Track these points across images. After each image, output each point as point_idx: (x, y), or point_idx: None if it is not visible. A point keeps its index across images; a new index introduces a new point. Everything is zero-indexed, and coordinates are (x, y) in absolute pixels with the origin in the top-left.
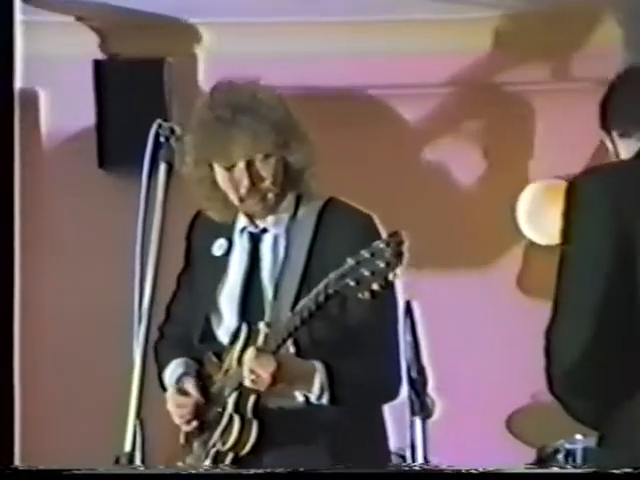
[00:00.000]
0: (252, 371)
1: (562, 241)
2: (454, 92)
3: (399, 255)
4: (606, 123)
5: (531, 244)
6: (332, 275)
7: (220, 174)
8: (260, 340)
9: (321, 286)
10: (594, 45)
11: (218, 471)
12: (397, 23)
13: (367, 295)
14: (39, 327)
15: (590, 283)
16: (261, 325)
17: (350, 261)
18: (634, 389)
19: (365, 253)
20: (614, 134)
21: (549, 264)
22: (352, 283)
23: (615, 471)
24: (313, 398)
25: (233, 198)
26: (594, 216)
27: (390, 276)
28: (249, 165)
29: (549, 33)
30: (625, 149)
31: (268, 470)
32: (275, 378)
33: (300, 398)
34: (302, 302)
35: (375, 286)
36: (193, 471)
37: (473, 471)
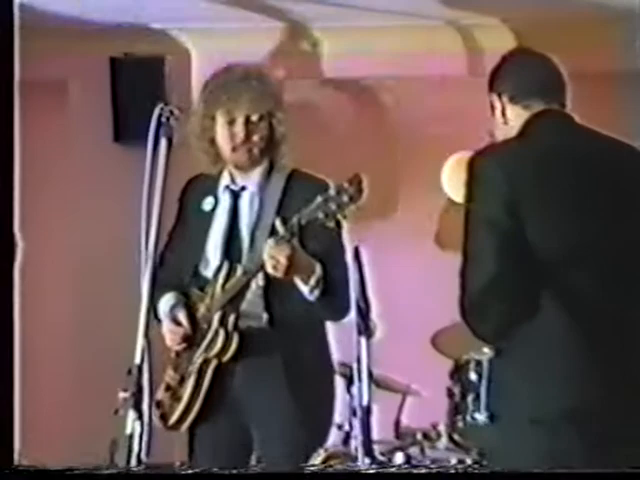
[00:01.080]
0: (272, 257)
1: (466, 201)
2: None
3: (359, 191)
4: (496, 87)
5: (451, 202)
6: (305, 210)
7: (220, 126)
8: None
9: (295, 219)
10: None
11: (218, 471)
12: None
13: (333, 224)
14: (63, 277)
15: (487, 235)
16: (240, 266)
17: (319, 198)
18: (523, 314)
19: (331, 191)
20: (504, 98)
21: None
22: (321, 215)
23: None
24: (307, 291)
25: (227, 149)
26: (489, 185)
27: (352, 208)
28: (247, 121)
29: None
30: (513, 113)
31: (268, 471)
32: (291, 263)
33: (304, 287)
34: (280, 234)
35: (340, 216)
36: (193, 471)
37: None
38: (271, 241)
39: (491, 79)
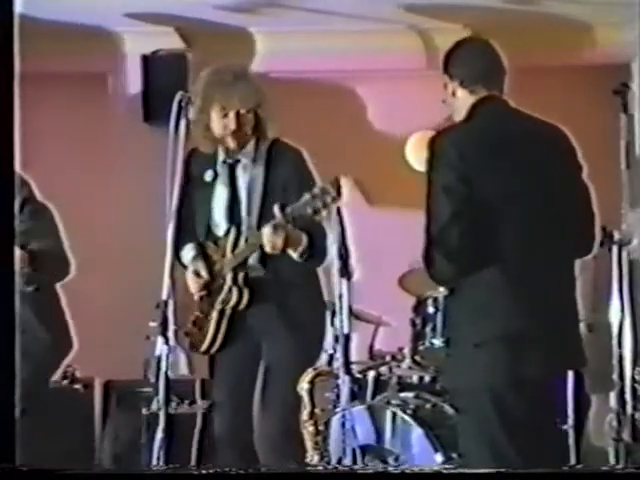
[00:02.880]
0: (270, 241)
1: (427, 171)
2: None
3: (339, 192)
4: (450, 70)
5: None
6: (294, 205)
7: (215, 119)
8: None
9: (288, 211)
10: None
11: (218, 471)
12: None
13: (318, 219)
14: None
15: (444, 198)
16: (243, 228)
17: (307, 195)
18: (472, 263)
19: (316, 190)
20: (455, 81)
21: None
22: (309, 211)
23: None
24: (296, 257)
25: (221, 134)
26: (445, 159)
27: (333, 207)
28: (237, 115)
29: None
30: (461, 96)
31: (268, 470)
32: (286, 243)
33: (294, 254)
34: (277, 221)
35: (324, 213)
36: (194, 471)
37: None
38: (269, 228)
39: (445, 62)
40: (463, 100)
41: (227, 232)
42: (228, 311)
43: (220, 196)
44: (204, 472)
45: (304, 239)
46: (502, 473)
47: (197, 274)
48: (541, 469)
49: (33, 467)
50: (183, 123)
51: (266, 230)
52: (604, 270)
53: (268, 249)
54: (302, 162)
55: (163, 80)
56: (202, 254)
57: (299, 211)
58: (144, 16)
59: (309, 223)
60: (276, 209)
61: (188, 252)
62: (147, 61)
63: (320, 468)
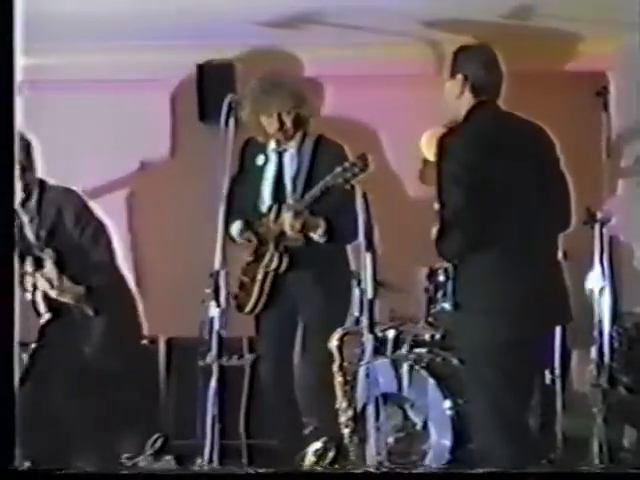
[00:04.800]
0: (290, 225)
1: (437, 163)
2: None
3: (366, 165)
4: (463, 70)
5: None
6: (329, 176)
7: (263, 119)
8: (285, 210)
9: (322, 183)
10: None
11: (222, 471)
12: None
13: (348, 187)
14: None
15: (453, 186)
16: (288, 204)
17: (338, 168)
18: (476, 241)
19: (346, 164)
20: (467, 84)
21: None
22: (340, 180)
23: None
24: (317, 238)
25: (269, 130)
26: (452, 154)
27: (361, 176)
28: (279, 116)
29: None
30: (466, 98)
31: (268, 470)
32: (303, 227)
33: (315, 236)
34: (312, 191)
35: (354, 182)
36: (194, 472)
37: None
38: (289, 215)
39: (457, 63)
40: (466, 102)
41: (270, 208)
42: (270, 276)
43: (268, 178)
44: (204, 472)
45: (322, 223)
46: (503, 473)
47: (248, 240)
48: (531, 469)
49: (32, 467)
50: (232, 120)
51: (287, 215)
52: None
53: (289, 232)
54: (344, 155)
55: (215, 85)
56: (249, 227)
57: (332, 181)
58: (201, 30)
59: (334, 209)
60: (295, 200)
61: (236, 227)
62: (201, 69)
63: (320, 468)
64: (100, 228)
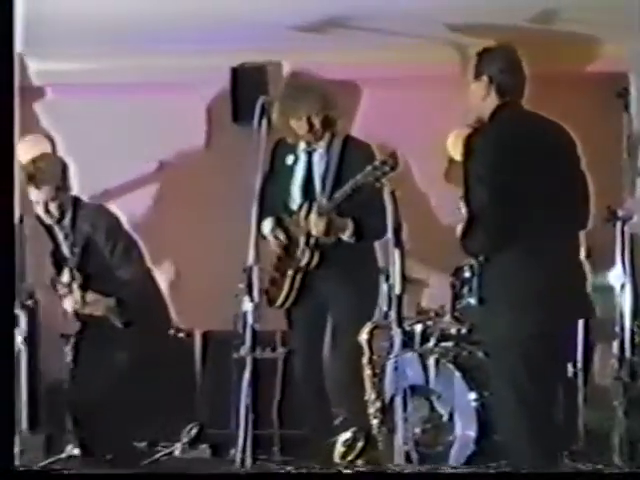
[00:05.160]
0: (316, 225)
1: (463, 163)
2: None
3: (395, 165)
4: (488, 71)
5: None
6: (360, 175)
7: (292, 122)
8: (314, 210)
9: (352, 181)
10: None
11: (219, 471)
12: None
13: (378, 185)
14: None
15: (478, 185)
16: (315, 204)
17: (369, 167)
18: (499, 239)
19: (377, 162)
20: (492, 85)
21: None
22: (371, 178)
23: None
24: (346, 238)
25: (299, 132)
26: (478, 154)
27: (391, 175)
28: (308, 119)
29: None
30: (492, 98)
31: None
32: (328, 228)
33: (344, 237)
34: (341, 191)
35: (384, 181)
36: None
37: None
38: (314, 215)
39: (481, 66)
40: (491, 103)
41: (301, 206)
42: (300, 272)
43: (298, 177)
44: (205, 472)
45: (350, 225)
46: (503, 473)
47: (276, 238)
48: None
49: (31, 468)
50: (264, 121)
51: (312, 217)
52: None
53: (314, 232)
54: (371, 154)
55: (248, 88)
56: (280, 224)
57: (363, 179)
58: (235, 35)
59: (363, 208)
60: (322, 201)
61: (268, 224)
62: (235, 72)
63: (319, 468)
64: (131, 244)
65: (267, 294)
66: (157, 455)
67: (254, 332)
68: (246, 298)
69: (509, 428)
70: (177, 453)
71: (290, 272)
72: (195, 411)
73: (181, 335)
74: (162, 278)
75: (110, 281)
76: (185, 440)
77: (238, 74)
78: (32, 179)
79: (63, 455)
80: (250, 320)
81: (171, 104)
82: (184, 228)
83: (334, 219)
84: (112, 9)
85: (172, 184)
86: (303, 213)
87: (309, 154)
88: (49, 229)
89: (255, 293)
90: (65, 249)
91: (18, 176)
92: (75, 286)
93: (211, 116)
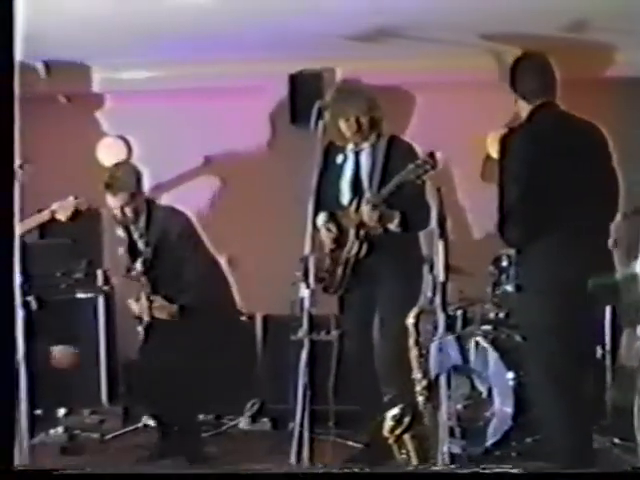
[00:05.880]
0: (369, 216)
1: (499, 161)
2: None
3: (435, 164)
4: (512, 84)
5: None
6: (403, 172)
7: (341, 123)
8: (364, 204)
9: (396, 179)
10: None
11: (219, 471)
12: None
13: (420, 182)
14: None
15: (512, 182)
16: (364, 199)
17: (411, 165)
18: (533, 231)
19: (419, 161)
20: (517, 93)
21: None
22: (412, 176)
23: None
24: (393, 228)
25: (348, 134)
26: (513, 153)
27: (431, 173)
28: (357, 119)
29: None
30: (521, 104)
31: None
32: (379, 219)
33: (392, 227)
34: (388, 186)
35: (425, 177)
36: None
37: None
38: (367, 207)
39: (511, 77)
40: (523, 108)
41: (350, 201)
42: (351, 260)
43: (347, 175)
44: (205, 473)
45: (397, 215)
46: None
47: (329, 230)
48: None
49: (30, 468)
50: (320, 123)
51: (365, 208)
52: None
53: (367, 222)
54: (414, 152)
55: (305, 93)
56: (332, 218)
57: (405, 177)
58: (293, 44)
59: (407, 201)
60: (372, 194)
61: (321, 218)
62: (293, 79)
63: (320, 468)
64: (200, 242)
65: (322, 281)
66: (223, 427)
67: (310, 316)
68: (303, 285)
69: (543, 405)
70: (241, 426)
71: (342, 261)
72: (257, 388)
73: (244, 319)
74: (227, 268)
75: (177, 282)
76: (248, 414)
77: (296, 80)
78: (109, 187)
79: (140, 424)
80: (307, 305)
81: (235, 108)
82: (247, 221)
83: (384, 211)
84: (177, 20)
85: (237, 181)
86: (353, 207)
87: (357, 154)
88: (125, 226)
89: (311, 280)
90: (141, 245)
91: (18, 180)
92: (143, 293)
93: (272, 119)
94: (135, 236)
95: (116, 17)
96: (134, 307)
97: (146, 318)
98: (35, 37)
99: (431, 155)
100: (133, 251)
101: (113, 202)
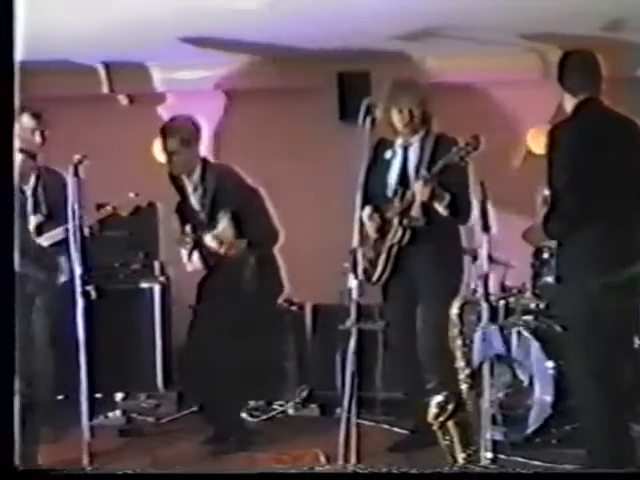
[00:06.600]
0: (421, 192)
1: (547, 153)
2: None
3: (477, 145)
4: (559, 78)
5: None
6: (447, 156)
7: (394, 115)
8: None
9: (443, 160)
10: None
11: (218, 471)
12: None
13: (463, 164)
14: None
15: (560, 174)
16: (408, 190)
17: (454, 148)
18: (576, 223)
19: (461, 143)
20: (564, 88)
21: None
22: (456, 159)
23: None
24: (441, 210)
25: (399, 126)
26: (561, 146)
27: (473, 154)
28: (409, 111)
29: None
30: (567, 98)
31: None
32: (432, 195)
33: (440, 208)
34: (434, 169)
35: (467, 159)
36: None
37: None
38: (419, 184)
39: (558, 71)
40: (568, 102)
41: (395, 192)
42: (394, 249)
43: (395, 168)
44: (205, 472)
45: (447, 196)
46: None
47: (373, 220)
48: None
49: (30, 468)
50: (369, 120)
51: (417, 184)
52: None
53: (419, 197)
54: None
55: (353, 90)
56: (377, 211)
57: (450, 159)
58: (341, 43)
59: (456, 186)
60: (424, 171)
61: (367, 211)
62: (341, 77)
63: (321, 468)
64: (254, 196)
65: (366, 272)
66: (273, 413)
67: (358, 306)
68: (351, 276)
69: (583, 393)
70: (290, 411)
71: (384, 251)
72: (306, 374)
73: (294, 308)
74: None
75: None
76: (297, 400)
77: (344, 78)
78: (162, 130)
79: (194, 408)
80: (355, 295)
81: (287, 106)
82: (298, 213)
83: (436, 187)
84: (230, 22)
85: (288, 176)
86: (398, 196)
87: (405, 149)
88: (178, 185)
89: (359, 271)
90: (194, 201)
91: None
92: (223, 225)
93: (321, 115)
94: (189, 190)
95: (172, 19)
96: (189, 267)
97: (202, 269)
98: (93, 39)
99: (474, 137)
100: (184, 215)
101: (168, 145)
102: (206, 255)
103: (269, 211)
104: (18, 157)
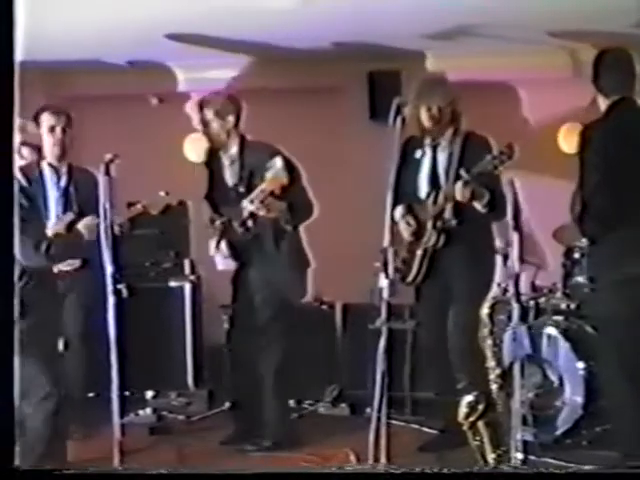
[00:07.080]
0: (461, 193)
1: (579, 152)
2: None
3: (512, 154)
4: (593, 79)
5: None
6: (483, 162)
7: (423, 113)
8: (441, 198)
9: (477, 168)
10: None
11: (218, 471)
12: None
13: (497, 172)
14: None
15: (592, 173)
16: (440, 192)
17: (488, 156)
18: (609, 221)
19: (495, 152)
20: (597, 88)
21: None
22: (490, 167)
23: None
24: (480, 208)
25: (428, 124)
26: (593, 145)
27: (508, 163)
28: (438, 109)
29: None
30: (600, 98)
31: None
32: (472, 195)
33: (479, 206)
34: (476, 167)
35: (501, 168)
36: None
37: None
38: (459, 184)
39: (593, 70)
40: (601, 102)
41: (428, 194)
42: (428, 252)
43: (425, 168)
44: (205, 472)
45: (486, 194)
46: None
47: (408, 223)
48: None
49: (31, 467)
50: (399, 119)
51: (458, 185)
52: None
53: (459, 198)
54: (489, 146)
55: (383, 89)
56: (409, 211)
57: (483, 168)
58: (372, 42)
59: (493, 185)
60: (464, 172)
61: (399, 211)
62: (372, 76)
63: (351, 468)
64: (293, 170)
65: (399, 272)
66: (303, 412)
67: (389, 305)
68: (382, 275)
69: (614, 394)
70: (321, 410)
71: (419, 252)
72: (336, 374)
73: (324, 307)
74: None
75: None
76: (327, 399)
77: (374, 77)
78: (200, 103)
79: (224, 407)
80: (385, 295)
81: (319, 106)
82: (328, 213)
83: (476, 187)
84: (259, 22)
85: (319, 174)
86: (431, 200)
87: (434, 148)
88: (210, 168)
89: (390, 271)
90: (228, 176)
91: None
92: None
93: (352, 114)
94: (225, 163)
95: (204, 20)
96: (217, 258)
97: (230, 259)
98: (115, 38)
99: (509, 146)
100: (213, 200)
101: (203, 115)
102: (234, 243)
103: (306, 188)
104: (25, 151)
